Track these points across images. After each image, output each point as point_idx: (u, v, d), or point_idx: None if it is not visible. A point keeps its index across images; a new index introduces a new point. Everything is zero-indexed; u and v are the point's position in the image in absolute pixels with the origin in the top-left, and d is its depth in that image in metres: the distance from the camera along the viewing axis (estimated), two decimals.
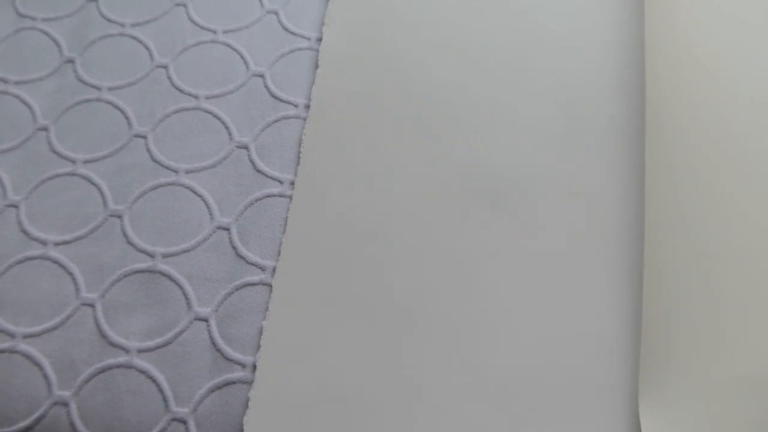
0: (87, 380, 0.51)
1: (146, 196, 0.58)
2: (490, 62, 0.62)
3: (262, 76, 0.63)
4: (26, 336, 0.52)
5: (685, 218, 0.52)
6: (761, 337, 0.48)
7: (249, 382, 0.50)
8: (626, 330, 0.50)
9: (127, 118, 0.61)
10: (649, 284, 0.50)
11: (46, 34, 0.67)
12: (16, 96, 0.63)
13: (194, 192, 0.57)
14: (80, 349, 0.52)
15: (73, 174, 0.59)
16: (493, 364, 0.50)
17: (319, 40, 0.65)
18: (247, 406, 0.49)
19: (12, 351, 0.52)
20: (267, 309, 0.52)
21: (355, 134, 0.59)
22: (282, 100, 0.61)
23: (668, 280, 0.50)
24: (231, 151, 0.59)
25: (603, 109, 0.59)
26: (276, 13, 0.66)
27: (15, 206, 0.58)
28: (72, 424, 0.49)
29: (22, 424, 0.50)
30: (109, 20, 0.67)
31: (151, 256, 0.55)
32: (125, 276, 0.54)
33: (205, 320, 0.52)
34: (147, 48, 0.65)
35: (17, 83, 0.64)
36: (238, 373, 0.50)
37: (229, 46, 0.65)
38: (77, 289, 0.54)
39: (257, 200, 0.57)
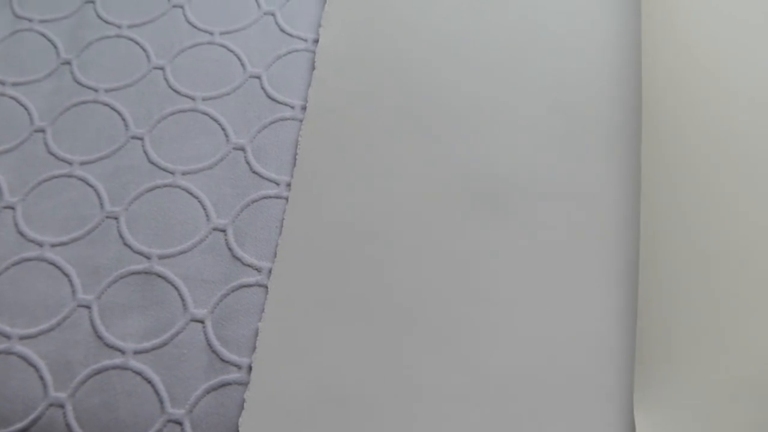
0: (83, 381, 0.51)
1: (143, 197, 0.58)
2: (489, 63, 0.62)
3: (258, 77, 0.63)
4: (22, 337, 0.52)
5: (683, 218, 0.52)
6: (759, 337, 0.48)
7: (245, 384, 0.50)
8: (626, 330, 0.50)
9: (123, 119, 0.61)
10: (646, 284, 0.50)
11: (43, 35, 0.67)
12: (12, 97, 0.63)
13: (190, 193, 0.58)
14: (76, 350, 0.52)
15: (69, 175, 0.59)
16: (491, 364, 0.50)
17: (316, 41, 0.65)
18: (242, 408, 0.49)
19: (8, 352, 0.52)
20: (263, 310, 0.52)
21: (352, 136, 0.59)
22: (279, 102, 0.61)
23: (666, 280, 0.50)
24: (227, 152, 0.59)
25: (602, 109, 0.59)
26: (273, 15, 0.66)
27: (12, 208, 0.58)
28: (68, 425, 0.49)
29: (18, 426, 0.50)
30: (106, 22, 0.67)
31: (148, 257, 0.55)
32: (121, 277, 0.54)
33: (201, 322, 0.52)
34: (144, 49, 0.65)
35: (14, 85, 0.64)
36: (234, 375, 0.50)
37: (225, 47, 0.65)
38: (73, 291, 0.54)
39: (253, 202, 0.57)
